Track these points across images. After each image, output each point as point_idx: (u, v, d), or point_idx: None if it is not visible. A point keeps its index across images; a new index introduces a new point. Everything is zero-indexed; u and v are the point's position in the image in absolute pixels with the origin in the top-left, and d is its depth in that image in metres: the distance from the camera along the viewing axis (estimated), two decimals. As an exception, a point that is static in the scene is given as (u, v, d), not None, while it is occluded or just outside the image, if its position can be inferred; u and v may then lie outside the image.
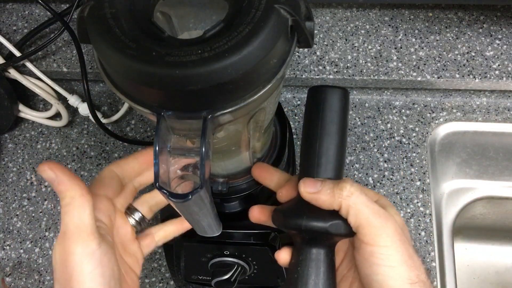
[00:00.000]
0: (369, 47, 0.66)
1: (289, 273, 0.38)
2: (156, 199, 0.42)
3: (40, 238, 0.66)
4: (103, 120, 0.68)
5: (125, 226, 0.40)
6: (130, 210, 0.41)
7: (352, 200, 0.35)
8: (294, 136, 0.67)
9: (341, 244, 0.40)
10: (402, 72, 0.64)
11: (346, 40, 0.66)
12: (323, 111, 0.37)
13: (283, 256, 0.39)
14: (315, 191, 0.35)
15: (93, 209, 0.34)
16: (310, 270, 0.36)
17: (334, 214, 0.36)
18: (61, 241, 0.34)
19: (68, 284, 0.33)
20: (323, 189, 0.35)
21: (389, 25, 0.67)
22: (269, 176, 0.42)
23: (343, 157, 0.38)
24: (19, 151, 0.71)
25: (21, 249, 0.65)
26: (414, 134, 0.66)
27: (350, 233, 0.36)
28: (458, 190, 0.82)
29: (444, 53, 0.65)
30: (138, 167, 0.41)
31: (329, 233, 0.36)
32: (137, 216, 0.41)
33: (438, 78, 0.63)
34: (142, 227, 0.42)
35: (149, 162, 0.41)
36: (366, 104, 0.68)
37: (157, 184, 0.29)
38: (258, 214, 0.42)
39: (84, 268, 0.33)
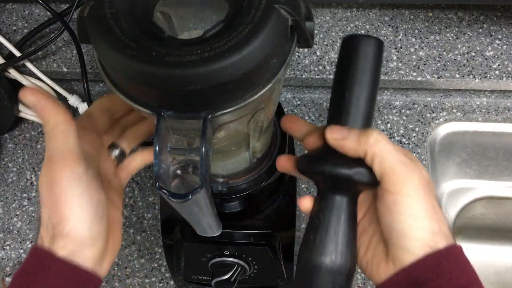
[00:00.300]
0: (369, 47, 0.66)
1: (310, 219, 0.37)
2: (134, 134, 0.42)
3: (40, 238, 0.66)
4: (103, 120, 0.68)
5: (107, 160, 0.40)
6: (111, 145, 0.41)
7: (378, 148, 0.34)
8: (294, 136, 0.67)
9: (364, 198, 0.40)
10: (402, 72, 0.64)
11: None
12: (356, 60, 0.36)
13: (305, 203, 0.38)
14: (342, 137, 0.35)
15: (77, 135, 0.33)
16: (331, 217, 0.36)
17: (360, 162, 0.35)
18: (47, 167, 0.33)
19: (56, 208, 0.33)
20: (350, 136, 0.35)
21: (389, 25, 0.67)
22: (299, 127, 0.42)
23: (372, 108, 0.37)
24: (19, 151, 0.71)
25: (21, 249, 0.65)
26: (414, 134, 0.66)
27: (374, 182, 0.35)
28: (458, 190, 0.82)
29: (444, 53, 0.65)
30: (141, 160, 0.41)
31: (353, 180, 0.35)
32: (118, 150, 0.41)
33: (438, 78, 0.63)
34: (121, 161, 0.42)
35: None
36: (366, 104, 0.68)
37: (157, 184, 0.29)
38: (285, 162, 0.41)
39: (72, 192, 0.33)
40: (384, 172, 0.34)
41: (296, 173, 0.40)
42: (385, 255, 0.36)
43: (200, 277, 0.54)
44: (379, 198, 0.35)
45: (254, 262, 0.51)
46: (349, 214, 0.36)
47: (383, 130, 0.66)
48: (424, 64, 0.64)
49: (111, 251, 0.38)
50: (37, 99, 0.32)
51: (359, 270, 0.41)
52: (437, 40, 0.65)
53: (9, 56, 0.66)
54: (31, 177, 0.69)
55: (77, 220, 0.33)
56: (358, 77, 0.36)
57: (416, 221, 0.34)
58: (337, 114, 0.37)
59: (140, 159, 0.43)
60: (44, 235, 0.34)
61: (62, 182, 0.33)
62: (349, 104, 0.36)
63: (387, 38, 0.66)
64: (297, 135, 0.42)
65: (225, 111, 0.28)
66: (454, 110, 0.67)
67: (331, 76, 0.64)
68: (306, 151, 0.40)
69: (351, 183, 0.36)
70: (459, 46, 0.65)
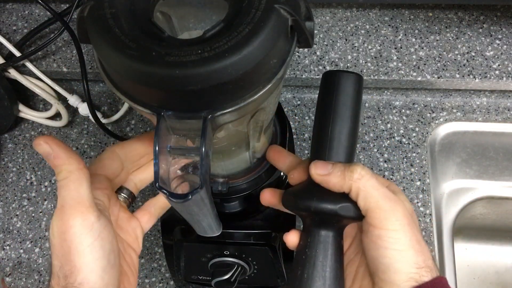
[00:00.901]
0: (369, 47, 0.66)
1: (297, 254, 0.38)
2: (139, 176, 0.42)
3: (40, 238, 0.66)
4: (103, 120, 0.68)
5: (117, 204, 0.40)
6: (119, 188, 0.41)
7: (362, 183, 0.35)
8: (294, 136, 0.67)
9: (349, 229, 0.40)
10: (402, 72, 0.64)
11: (346, 40, 0.66)
12: (337, 95, 0.37)
13: (291, 238, 0.39)
14: (326, 173, 0.35)
15: (90, 183, 0.33)
16: (318, 252, 0.36)
17: (344, 197, 0.36)
18: (59, 215, 0.33)
19: (67, 257, 0.33)
20: (334, 171, 0.35)
21: (389, 25, 0.67)
22: (283, 159, 0.42)
23: (354, 142, 0.38)
24: (19, 151, 0.71)
25: (21, 249, 0.65)
26: (414, 134, 0.66)
27: (359, 216, 0.36)
28: (458, 190, 0.82)
29: (444, 53, 0.65)
30: (143, 149, 0.41)
31: (338, 215, 0.36)
32: (126, 193, 0.41)
33: (438, 78, 0.63)
34: (131, 204, 0.42)
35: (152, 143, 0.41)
36: (366, 104, 0.68)
37: (157, 184, 0.29)
38: (269, 197, 0.42)
39: (84, 240, 0.33)
40: (369, 207, 0.35)
41: (280, 207, 0.41)
42: (371, 287, 0.37)
43: (200, 277, 0.54)
44: (364, 232, 0.36)
45: (254, 262, 0.51)
46: (336, 248, 0.37)
47: (383, 130, 0.66)
48: (424, 64, 0.64)
49: None
50: (51, 148, 0.32)
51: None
52: (437, 40, 0.65)
53: (9, 56, 0.66)
54: (31, 177, 0.69)
55: (89, 270, 0.33)
56: (339, 112, 0.37)
57: (402, 255, 0.34)
58: (320, 149, 0.38)
59: (163, 201, 0.43)
60: (56, 286, 0.34)
61: (74, 231, 0.33)
62: (332, 138, 0.37)
63: (387, 38, 0.66)
64: (281, 167, 0.43)
65: (225, 111, 0.28)
66: (454, 110, 0.67)
67: (331, 76, 0.64)
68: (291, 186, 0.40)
69: (337, 218, 0.36)
70: (459, 46, 0.65)
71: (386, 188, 0.35)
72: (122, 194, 0.41)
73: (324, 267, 0.36)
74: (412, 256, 0.34)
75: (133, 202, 0.42)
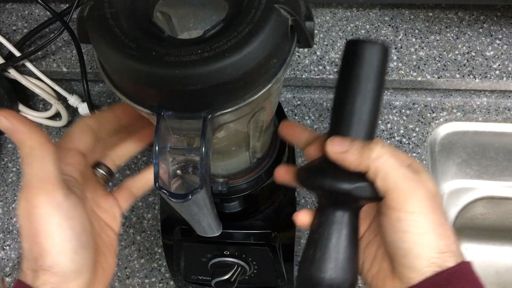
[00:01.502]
0: (369, 47, 0.66)
1: (310, 234, 0.36)
2: (117, 152, 0.40)
3: (40, 238, 0.66)
4: (103, 120, 0.68)
5: (93, 180, 0.38)
6: (96, 164, 0.39)
7: (381, 163, 0.32)
8: (294, 136, 0.67)
9: (368, 208, 0.38)
10: (402, 72, 0.64)
11: (346, 40, 0.66)
12: (360, 67, 0.34)
13: (302, 218, 0.37)
14: (343, 151, 0.33)
15: (57, 159, 0.31)
16: (331, 232, 0.34)
17: (361, 175, 0.34)
18: (24, 195, 0.31)
19: (35, 239, 0.31)
20: (351, 149, 0.33)
21: (389, 25, 0.67)
22: (298, 134, 0.40)
23: (376, 118, 0.35)
24: (19, 151, 0.71)
25: (21, 249, 0.65)
26: (414, 134, 0.66)
27: (376, 197, 0.34)
28: (458, 190, 0.82)
29: (444, 53, 0.65)
30: (116, 121, 0.38)
31: (353, 196, 0.34)
32: (103, 169, 0.39)
33: (438, 78, 0.63)
34: (109, 180, 0.40)
35: (126, 114, 0.38)
36: (366, 104, 0.68)
37: (157, 184, 0.29)
38: (283, 173, 0.39)
39: (51, 221, 0.31)
40: (388, 188, 0.33)
41: (295, 184, 0.39)
42: (391, 271, 0.35)
43: (200, 277, 0.54)
44: (383, 214, 0.34)
45: (254, 262, 0.51)
46: (350, 229, 0.35)
47: (383, 130, 0.66)
48: (424, 64, 0.64)
49: (101, 279, 0.36)
50: (11, 123, 0.30)
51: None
52: (437, 40, 0.65)
53: (9, 56, 0.66)
54: (31, 177, 0.69)
55: (58, 252, 0.31)
56: (362, 85, 0.34)
57: (422, 239, 0.32)
58: (339, 124, 0.35)
59: (147, 179, 0.40)
60: (26, 269, 0.32)
61: (40, 211, 0.31)
62: (352, 114, 0.34)
63: (387, 38, 0.66)
64: (297, 143, 0.40)
65: (225, 111, 0.28)
66: (454, 110, 0.67)
67: (331, 76, 0.64)
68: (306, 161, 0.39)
69: (352, 198, 0.34)
70: (459, 46, 0.65)
71: (406, 168, 0.33)
72: (99, 169, 0.39)
73: (337, 248, 0.34)
74: (434, 240, 0.32)
75: (112, 179, 0.40)
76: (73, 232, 0.32)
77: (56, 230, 0.31)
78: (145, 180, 0.41)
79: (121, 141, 0.40)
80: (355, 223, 0.36)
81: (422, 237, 0.32)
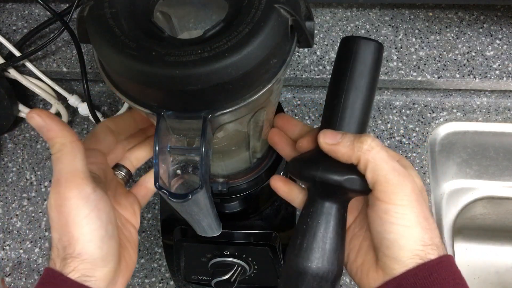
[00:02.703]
0: (369, 47, 0.66)
1: (298, 223, 0.37)
2: (136, 155, 0.43)
3: (40, 238, 0.66)
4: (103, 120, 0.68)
5: (114, 180, 0.40)
6: (116, 165, 0.42)
7: (371, 155, 0.33)
8: (294, 136, 0.67)
9: (355, 202, 0.39)
10: (402, 72, 0.64)
11: (346, 40, 0.66)
12: (353, 63, 0.35)
13: (276, 183, 0.39)
14: (335, 143, 0.34)
15: (84, 156, 0.34)
16: (319, 223, 0.35)
17: (351, 168, 0.34)
18: (55, 188, 0.33)
19: (65, 229, 0.33)
20: (343, 141, 0.34)
21: (389, 25, 0.67)
22: (292, 127, 0.41)
23: (368, 113, 0.36)
24: (19, 151, 0.71)
25: (21, 249, 0.65)
26: (414, 134, 0.66)
27: (365, 190, 0.35)
28: (458, 190, 0.81)
29: (444, 53, 0.65)
30: (134, 124, 0.41)
31: (343, 187, 0.35)
32: (123, 170, 0.42)
33: (438, 78, 0.63)
34: (128, 181, 0.43)
35: (144, 118, 0.41)
36: (366, 104, 0.68)
37: (157, 184, 0.29)
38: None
39: (80, 212, 0.33)
40: (377, 180, 0.34)
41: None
42: (374, 262, 0.36)
43: (200, 277, 0.54)
44: (371, 205, 0.35)
45: (254, 262, 0.51)
46: (338, 220, 0.36)
47: (383, 130, 0.66)
48: (424, 64, 0.64)
49: (124, 271, 0.38)
50: (44, 121, 0.33)
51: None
52: (437, 40, 0.65)
53: (9, 56, 0.66)
54: (31, 177, 0.69)
55: (87, 240, 0.33)
56: (355, 81, 0.35)
57: (407, 231, 0.33)
58: (331, 118, 0.36)
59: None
60: (56, 258, 0.34)
61: (70, 203, 0.33)
62: (344, 108, 0.35)
63: (387, 38, 0.66)
64: (290, 135, 0.41)
65: (225, 111, 0.28)
66: (454, 110, 0.67)
67: (331, 76, 0.64)
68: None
69: (342, 190, 0.35)
70: (459, 46, 0.65)
71: (396, 162, 0.34)
72: (119, 171, 0.42)
73: (325, 238, 0.35)
74: (419, 233, 0.33)
75: (131, 180, 0.43)
76: (100, 222, 0.34)
77: (85, 220, 0.33)
78: None
79: (139, 144, 0.43)
80: (343, 215, 0.36)
81: (408, 229, 0.33)
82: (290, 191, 0.40)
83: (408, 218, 0.33)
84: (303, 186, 0.39)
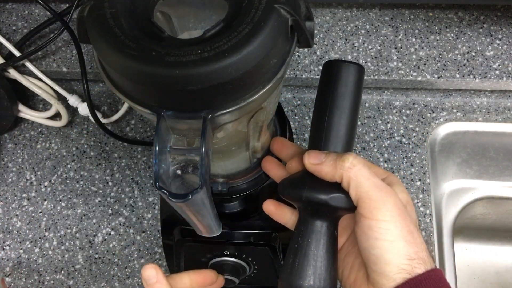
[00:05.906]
0: (369, 47, 0.66)
1: (291, 243, 0.38)
2: None
3: (39, 238, 0.66)
4: (103, 120, 0.68)
5: None
6: None
7: (353, 172, 0.34)
8: (294, 136, 0.67)
9: (348, 221, 0.40)
10: (402, 72, 0.64)
11: (346, 40, 0.66)
12: (335, 85, 0.37)
13: (268, 207, 0.41)
14: (318, 162, 0.35)
15: None
16: (310, 241, 0.36)
17: (336, 187, 0.36)
18: None
19: None
20: (326, 160, 0.35)
21: (389, 25, 0.67)
22: (285, 150, 0.43)
23: (352, 133, 0.38)
24: (19, 151, 0.71)
25: (21, 249, 0.65)
26: (414, 134, 0.66)
27: (351, 207, 0.35)
28: (458, 190, 0.81)
29: (444, 53, 0.65)
30: (190, 284, 0.43)
31: (329, 205, 0.36)
32: None
33: (438, 78, 0.63)
34: None
35: (201, 281, 0.44)
36: (366, 104, 0.68)
37: (157, 184, 0.29)
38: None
39: None
40: (360, 197, 0.34)
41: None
42: (366, 279, 0.37)
43: (200, 277, 0.54)
44: (356, 222, 0.36)
45: (254, 262, 0.51)
46: (328, 238, 0.37)
47: (383, 130, 0.66)
48: (424, 64, 0.64)
49: None
50: (157, 274, 0.38)
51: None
52: (437, 40, 0.65)
53: (9, 56, 0.66)
54: (31, 177, 0.69)
55: None
56: (337, 102, 0.37)
57: (392, 246, 0.34)
58: (317, 139, 0.37)
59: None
60: None
61: None
62: (329, 129, 0.37)
63: (387, 38, 0.66)
64: (283, 157, 0.43)
65: (225, 111, 0.28)
66: (454, 110, 0.67)
67: (331, 76, 0.64)
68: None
69: (328, 208, 0.36)
70: (459, 46, 0.65)
71: (377, 179, 0.35)
72: None
73: (315, 256, 0.36)
74: (403, 247, 0.34)
75: None
76: None
77: None
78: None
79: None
80: (333, 233, 0.37)
81: (392, 244, 0.34)
82: (282, 214, 0.42)
83: (392, 233, 0.34)
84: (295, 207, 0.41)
